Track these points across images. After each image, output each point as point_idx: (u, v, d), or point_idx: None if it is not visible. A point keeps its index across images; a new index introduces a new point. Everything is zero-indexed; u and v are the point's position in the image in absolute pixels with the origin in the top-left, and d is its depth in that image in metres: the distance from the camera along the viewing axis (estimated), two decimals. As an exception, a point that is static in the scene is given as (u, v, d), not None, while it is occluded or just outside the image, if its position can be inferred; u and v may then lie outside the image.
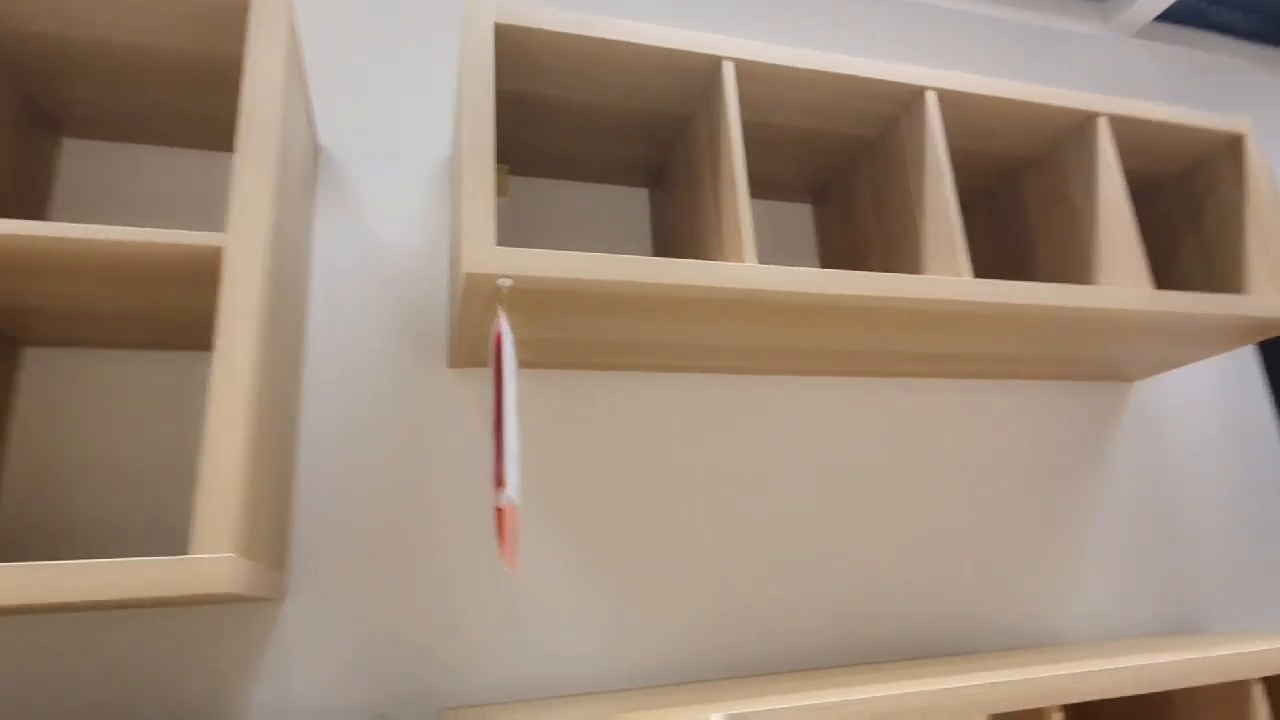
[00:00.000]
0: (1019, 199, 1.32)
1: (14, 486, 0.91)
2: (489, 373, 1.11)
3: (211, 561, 0.65)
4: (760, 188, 1.32)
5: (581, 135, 1.14)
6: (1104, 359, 1.29)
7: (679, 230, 1.15)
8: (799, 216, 1.37)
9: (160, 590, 0.64)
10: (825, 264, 1.33)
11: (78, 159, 1.03)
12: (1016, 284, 1.01)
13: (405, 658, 0.97)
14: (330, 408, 1.04)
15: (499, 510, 0.71)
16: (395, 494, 1.03)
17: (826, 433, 1.24)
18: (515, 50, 0.96)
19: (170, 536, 0.94)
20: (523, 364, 1.11)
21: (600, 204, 1.26)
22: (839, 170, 1.29)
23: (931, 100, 1.07)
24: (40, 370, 0.95)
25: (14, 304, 0.84)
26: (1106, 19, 1.83)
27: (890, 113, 1.13)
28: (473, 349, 1.03)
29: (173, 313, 0.88)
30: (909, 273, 1.09)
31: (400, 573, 1.00)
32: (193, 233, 0.74)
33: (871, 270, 1.19)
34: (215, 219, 1.05)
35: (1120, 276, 1.10)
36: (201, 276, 0.78)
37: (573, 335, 1.00)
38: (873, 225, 1.20)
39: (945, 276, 0.99)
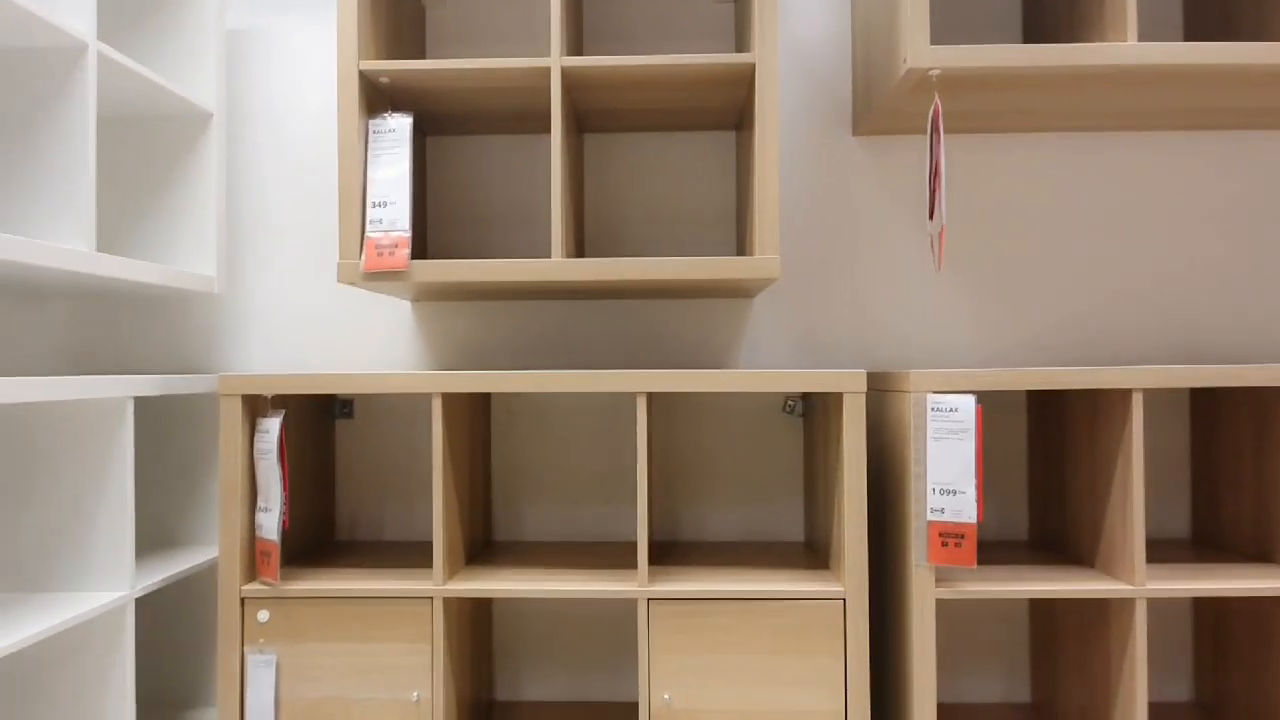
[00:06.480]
0: None
1: (596, 225, 1.47)
2: (894, 140, 1.46)
3: (770, 260, 1.12)
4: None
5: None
6: None
7: (1055, 12, 1.35)
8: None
9: (739, 274, 1.13)
10: (1191, 36, 1.44)
11: None
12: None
13: (833, 336, 1.46)
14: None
15: (942, 229, 1.10)
16: (820, 228, 1.46)
17: (1162, 181, 1.45)
18: None
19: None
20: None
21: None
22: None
23: None
24: (599, 150, 1.48)
25: (595, 109, 1.34)
26: None
27: None
28: (883, 121, 1.37)
29: (716, 107, 1.33)
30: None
31: (825, 282, 1.46)
32: (733, 54, 1.16)
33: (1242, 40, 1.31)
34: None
35: None
36: (740, 81, 1.21)
37: (977, 108, 1.30)
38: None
39: (1323, 38, 1.12)
